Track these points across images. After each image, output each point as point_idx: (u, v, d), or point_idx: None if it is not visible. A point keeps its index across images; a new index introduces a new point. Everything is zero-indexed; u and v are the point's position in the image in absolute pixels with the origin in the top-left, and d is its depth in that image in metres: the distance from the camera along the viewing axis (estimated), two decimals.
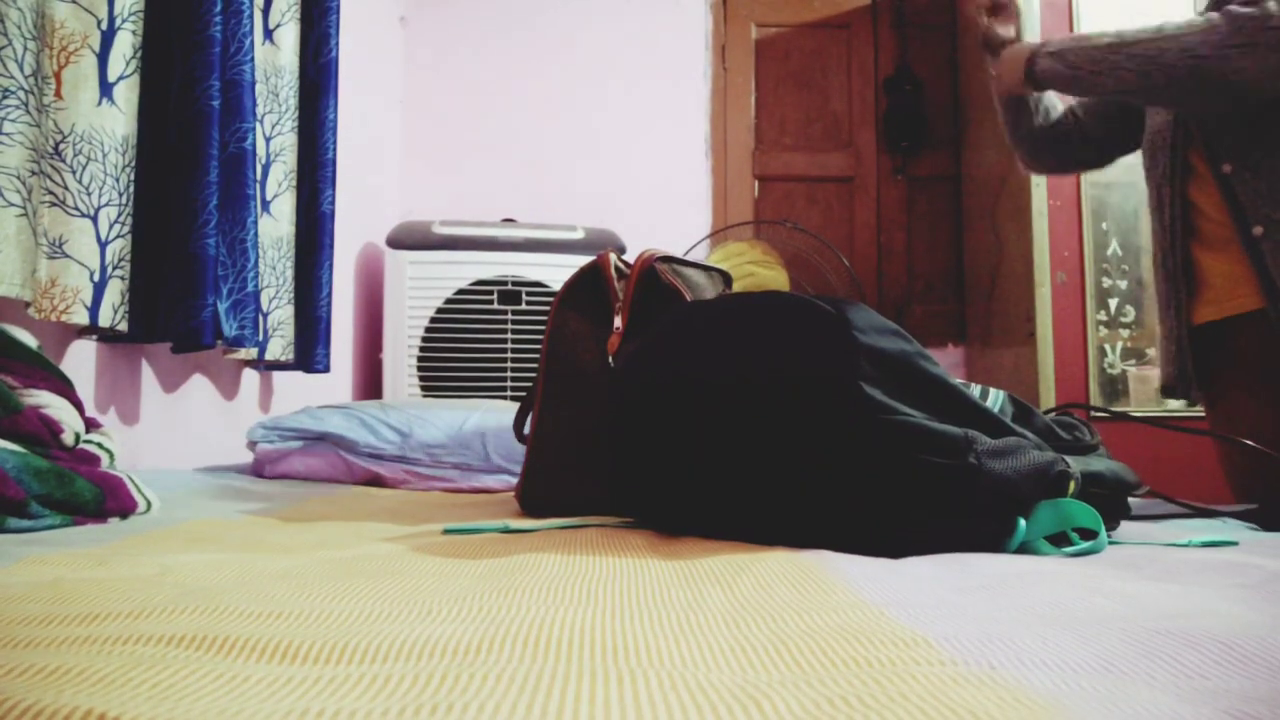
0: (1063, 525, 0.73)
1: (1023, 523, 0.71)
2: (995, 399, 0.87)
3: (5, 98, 1.04)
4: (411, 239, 2.42)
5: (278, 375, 2.00)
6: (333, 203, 1.93)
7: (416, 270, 2.40)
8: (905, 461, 0.67)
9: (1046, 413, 0.92)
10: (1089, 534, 0.75)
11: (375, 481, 1.49)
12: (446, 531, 0.83)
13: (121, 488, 0.91)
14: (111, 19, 1.21)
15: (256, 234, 1.56)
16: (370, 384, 2.59)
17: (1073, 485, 0.74)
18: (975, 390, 0.84)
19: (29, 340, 0.99)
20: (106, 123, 1.21)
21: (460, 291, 2.41)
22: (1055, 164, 1.55)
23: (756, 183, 3.03)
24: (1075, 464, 0.76)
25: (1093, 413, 2.31)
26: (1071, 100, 1.50)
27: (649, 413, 0.82)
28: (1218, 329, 1.31)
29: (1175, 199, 1.32)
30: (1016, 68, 1.34)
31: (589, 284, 1.08)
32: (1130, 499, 0.91)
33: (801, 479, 0.71)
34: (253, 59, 1.54)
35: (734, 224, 2.94)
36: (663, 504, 0.83)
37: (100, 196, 1.21)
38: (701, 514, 0.79)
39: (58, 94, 1.17)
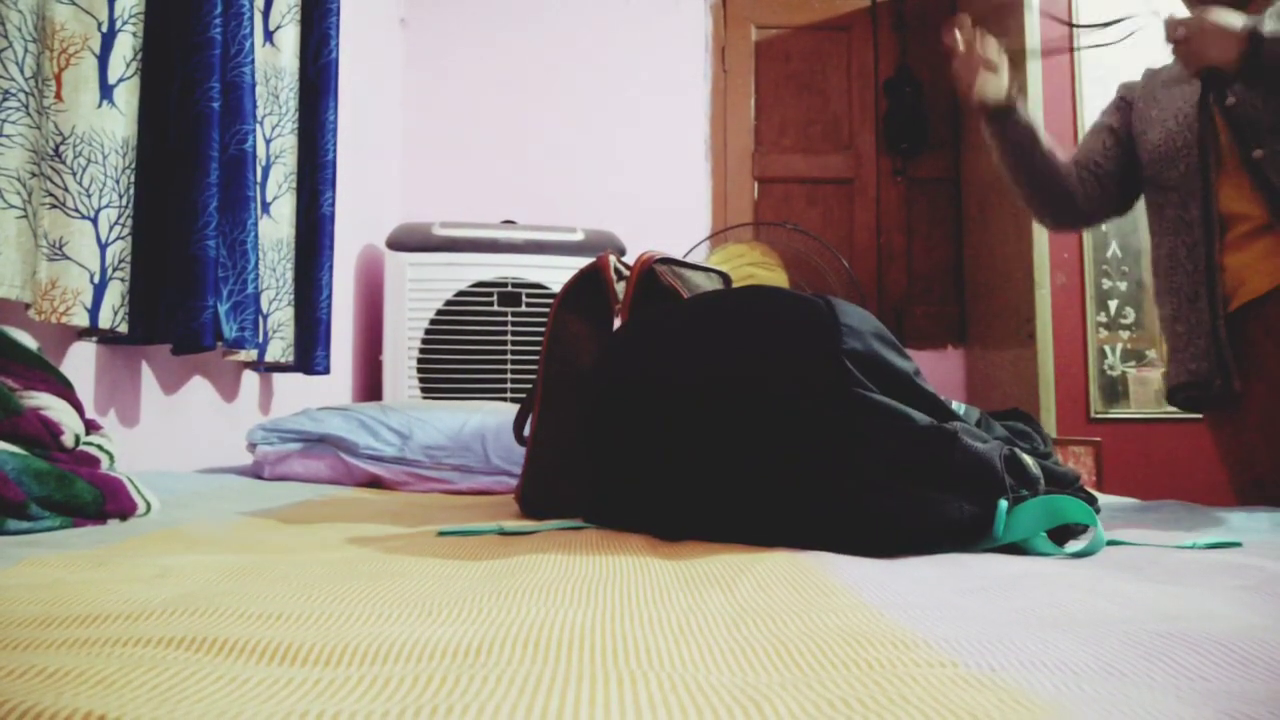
0: (1055, 520, 0.73)
1: (1004, 504, 0.72)
2: (959, 406, 0.89)
3: (6, 100, 1.04)
4: (412, 241, 2.42)
5: (277, 377, 2.00)
6: (333, 204, 1.93)
7: (416, 272, 2.40)
8: (887, 431, 0.69)
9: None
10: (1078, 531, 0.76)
11: (375, 483, 1.49)
12: (441, 534, 0.83)
13: (121, 489, 0.91)
14: (112, 21, 1.21)
15: (257, 236, 1.56)
16: (370, 386, 2.59)
17: (1033, 463, 0.75)
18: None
19: (29, 342, 0.99)
20: (107, 125, 1.21)
21: (460, 293, 2.41)
22: (1078, 218, 1.51)
23: (756, 184, 3.03)
24: (1029, 459, 0.78)
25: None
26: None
27: (626, 412, 0.83)
28: (1238, 317, 1.32)
29: (1206, 194, 1.31)
30: (1228, 43, 1.14)
31: (589, 286, 1.08)
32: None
33: (789, 458, 0.72)
34: (253, 61, 1.54)
35: (734, 225, 2.94)
36: (641, 504, 0.84)
37: (100, 198, 1.21)
38: (682, 512, 0.80)
39: (58, 96, 1.17)
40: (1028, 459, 0.76)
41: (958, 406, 0.88)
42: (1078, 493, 0.87)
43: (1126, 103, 1.50)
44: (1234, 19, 1.15)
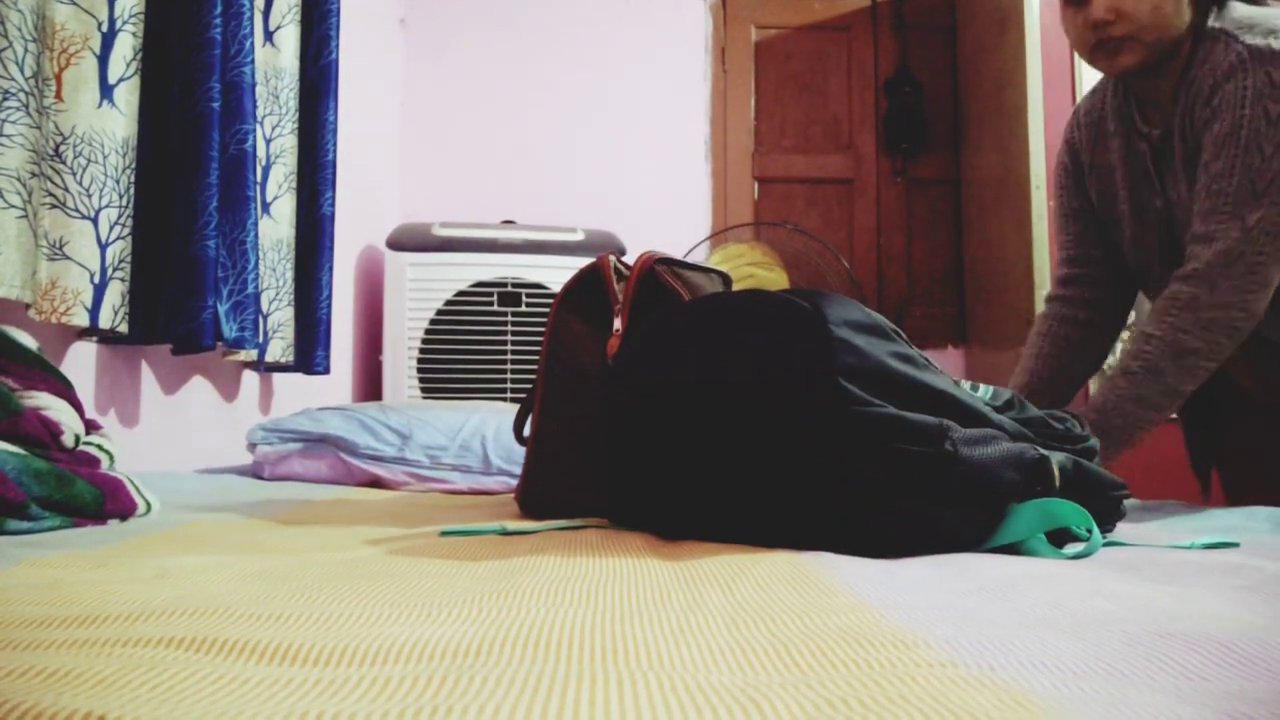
0: (1050, 524, 0.73)
1: (1015, 509, 0.71)
2: (986, 390, 0.87)
3: (6, 99, 1.04)
4: (411, 241, 2.42)
5: (277, 377, 2.00)
6: (333, 204, 1.93)
7: (416, 272, 2.40)
8: (884, 451, 0.68)
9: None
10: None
11: (375, 484, 1.49)
12: (444, 534, 0.83)
13: (121, 489, 0.91)
14: (112, 21, 1.21)
15: (257, 236, 1.56)
16: (370, 386, 2.59)
17: (1057, 472, 0.74)
18: (965, 385, 0.84)
19: (29, 342, 0.99)
20: (107, 125, 1.21)
21: (460, 293, 2.41)
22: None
23: (756, 184, 3.03)
24: (1059, 457, 0.76)
25: None
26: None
27: (634, 416, 0.83)
28: None
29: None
30: None
31: (589, 286, 1.08)
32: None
33: (784, 475, 0.71)
34: (253, 61, 1.54)
35: (734, 225, 2.94)
36: (647, 506, 0.84)
37: (101, 198, 1.21)
38: (685, 516, 0.79)
39: (58, 96, 1.17)
40: (1055, 466, 0.74)
41: (984, 391, 0.87)
42: (1113, 501, 0.85)
43: (1078, 167, 1.36)
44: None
